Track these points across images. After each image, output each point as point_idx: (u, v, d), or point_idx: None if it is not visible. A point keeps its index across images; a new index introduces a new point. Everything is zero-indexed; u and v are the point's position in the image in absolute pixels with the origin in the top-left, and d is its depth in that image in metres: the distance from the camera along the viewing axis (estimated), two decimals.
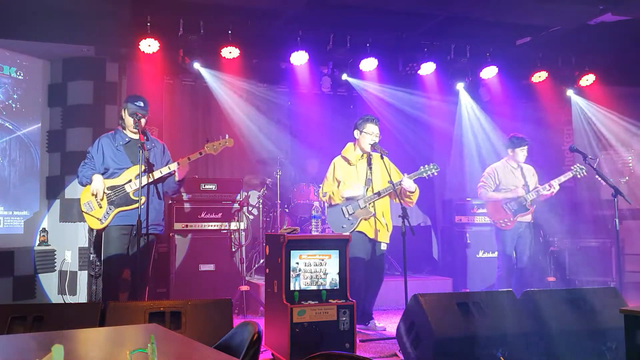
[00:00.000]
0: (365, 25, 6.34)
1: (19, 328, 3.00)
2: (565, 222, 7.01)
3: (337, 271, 3.92)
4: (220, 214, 5.86)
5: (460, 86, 7.37)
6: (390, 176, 4.71)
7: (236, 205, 5.93)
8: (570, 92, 7.65)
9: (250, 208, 7.07)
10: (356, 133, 5.00)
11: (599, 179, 5.17)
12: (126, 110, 4.37)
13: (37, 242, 5.98)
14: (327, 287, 3.88)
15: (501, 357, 3.42)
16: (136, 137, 4.38)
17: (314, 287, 3.85)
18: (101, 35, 5.73)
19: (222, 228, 5.85)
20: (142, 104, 4.34)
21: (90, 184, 4.25)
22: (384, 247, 4.94)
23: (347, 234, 4.64)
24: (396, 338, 3.88)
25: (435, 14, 6.01)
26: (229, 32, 6.06)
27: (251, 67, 6.69)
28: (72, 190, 5.94)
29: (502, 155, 5.97)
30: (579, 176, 5.52)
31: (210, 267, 5.72)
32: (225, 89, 7.02)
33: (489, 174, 5.71)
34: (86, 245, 5.85)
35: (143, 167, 4.10)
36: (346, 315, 3.79)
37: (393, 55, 6.93)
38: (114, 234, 4.27)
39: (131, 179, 4.28)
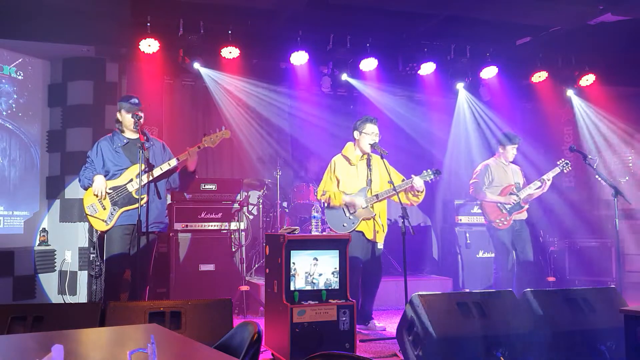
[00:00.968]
0: (365, 25, 6.34)
1: (19, 328, 3.00)
2: (565, 222, 7.01)
3: (337, 271, 3.92)
4: (220, 214, 5.86)
5: (460, 86, 7.36)
6: (390, 177, 4.71)
7: (236, 205, 5.93)
8: (570, 92, 7.64)
9: (250, 208, 7.07)
10: (356, 134, 5.00)
11: (599, 179, 5.17)
12: (123, 111, 4.38)
13: (37, 242, 5.98)
14: (327, 287, 3.88)
15: (501, 357, 3.42)
16: (134, 137, 4.39)
17: (314, 287, 3.85)
18: (101, 35, 5.74)
19: (222, 228, 5.85)
20: (136, 100, 4.39)
21: (92, 185, 4.25)
22: (380, 247, 4.94)
23: (347, 233, 4.64)
24: (396, 338, 3.88)
25: (435, 14, 6.01)
26: (229, 32, 6.06)
27: (251, 67, 6.69)
28: (72, 190, 5.94)
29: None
30: (565, 171, 5.56)
31: (210, 267, 5.72)
32: (225, 89, 7.02)
33: (481, 171, 5.73)
34: (86, 245, 5.85)
35: (143, 166, 4.10)
36: (346, 315, 3.79)
37: (393, 55, 6.93)
38: (117, 234, 4.28)
39: (132, 178, 4.28)
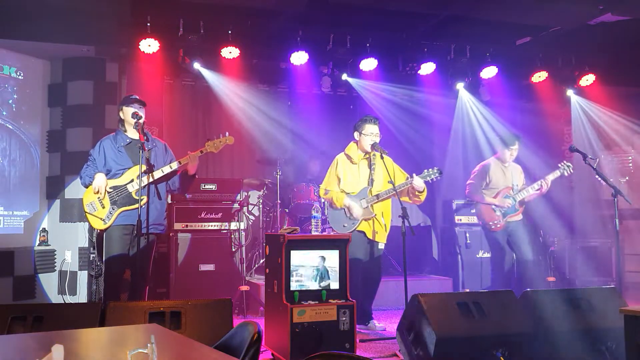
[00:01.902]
0: (365, 25, 6.34)
1: (19, 328, 3.00)
2: (565, 222, 7.01)
3: (337, 271, 3.92)
4: (220, 214, 5.85)
5: (460, 86, 7.37)
6: (390, 176, 4.71)
7: (236, 205, 5.93)
8: (570, 92, 7.65)
9: (250, 208, 7.06)
10: (356, 135, 5.00)
11: (599, 179, 5.17)
12: (124, 107, 4.39)
13: (37, 242, 5.98)
14: (327, 287, 3.88)
15: (501, 357, 3.42)
16: (137, 137, 4.39)
17: (314, 287, 3.85)
18: (101, 35, 5.73)
19: (222, 228, 5.85)
20: (137, 97, 4.42)
21: (92, 182, 4.25)
22: (381, 247, 4.94)
23: (348, 233, 4.64)
24: (396, 338, 3.88)
25: (435, 14, 6.01)
26: (229, 32, 6.06)
27: (251, 67, 6.69)
28: (72, 190, 5.94)
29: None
30: (566, 174, 5.51)
31: (210, 267, 5.72)
32: (225, 89, 7.01)
33: (478, 171, 5.71)
34: (86, 245, 5.85)
35: (144, 167, 4.10)
36: (346, 315, 3.79)
37: (393, 55, 6.93)
38: (116, 234, 4.28)
39: (133, 178, 4.29)
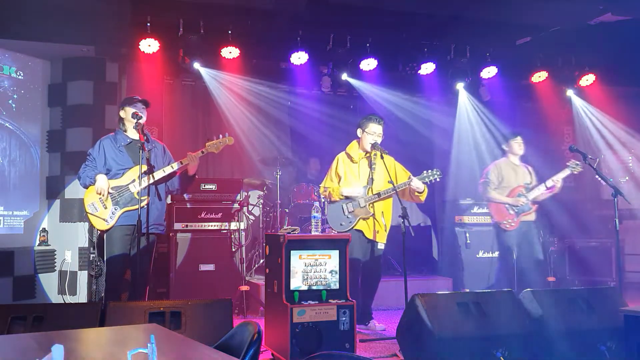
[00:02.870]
0: (365, 25, 6.34)
1: (19, 328, 3.00)
2: (566, 222, 7.01)
3: (337, 271, 3.92)
4: (220, 214, 5.85)
5: (460, 86, 7.37)
6: (390, 176, 4.71)
7: (236, 206, 5.93)
8: (570, 92, 7.65)
9: (250, 208, 7.06)
10: (359, 132, 5.00)
11: (599, 179, 5.17)
12: (126, 111, 4.39)
13: (37, 242, 5.98)
14: (327, 287, 3.88)
15: (501, 357, 3.42)
16: (137, 137, 4.39)
17: (314, 287, 3.85)
18: (101, 35, 5.73)
19: (222, 228, 5.84)
20: (138, 97, 4.43)
21: (94, 184, 4.24)
22: (381, 247, 4.93)
23: (346, 232, 4.64)
24: (396, 338, 3.88)
25: (435, 14, 6.01)
26: (229, 32, 6.07)
27: (251, 67, 6.69)
28: (72, 190, 5.94)
29: (501, 156, 5.97)
30: (575, 172, 5.51)
31: (210, 267, 5.72)
32: (226, 89, 7.02)
33: (491, 170, 5.73)
34: (86, 245, 5.85)
35: (144, 167, 4.10)
36: (346, 315, 3.79)
37: (393, 55, 6.93)
38: (117, 234, 4.28)
39: (135, 178, 4.28)
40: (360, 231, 4.85)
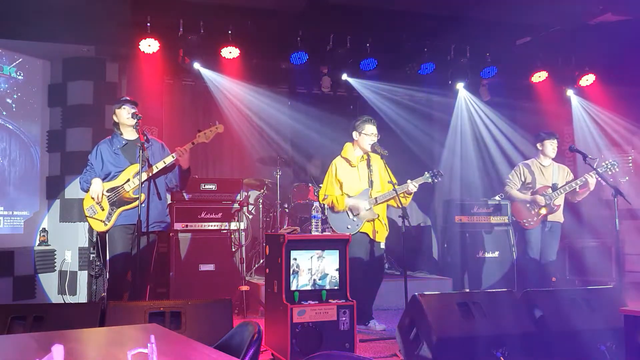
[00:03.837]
0: (365, 25, 6.33)
1: (19, 328, 3.00)
2: (565, 222, 7.01)
3: (337, 271, 3.92)
4: (220, 214, 5.85)
5: (460, 86, 7.36)
6: (390, 176, 4.71)
7: (236, 205, 5.93)
8: (570, 92, 7.64)
9: (250, 208, 7.06)
10: (355, 134, 4.99)
11: (599, 179, 5.16)
12: (117, 113, 4.40)
13: (37, 242, 5.98)
14: (327, 287, 3.88)
15: (501, 357, 3.42)
16: (133, 138, 4.40)
17: (314, 287, 3.85)
18: (101, 35, 5.73)
19: (222, 228, 5.84)
20: (127, 98, 4.44)
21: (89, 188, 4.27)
22: (383, 246, 4.94)
23: (350, 234, 4.64)
24: (396, 338, 3.88)
25: (435, 14, 6.01)
26: (229, 32, 6.06)
27: (251, 67, 6.69)
28: (72, 190, 5.94)
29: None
30: (609, 172, 5.32)
31: (210, 267, 5.72)
32: (226, 89, 7.01)
33: (515, 171, 5.76)
34: (86, 245, 5.85)
35: (139, 166, 4.10)
36: (346, 315, 3.79)
37: (393, 55, 6.92)
38: (118, 234, 4.28)
39: (129, 178, 4.29)
40: (364, 233, 4.86)
